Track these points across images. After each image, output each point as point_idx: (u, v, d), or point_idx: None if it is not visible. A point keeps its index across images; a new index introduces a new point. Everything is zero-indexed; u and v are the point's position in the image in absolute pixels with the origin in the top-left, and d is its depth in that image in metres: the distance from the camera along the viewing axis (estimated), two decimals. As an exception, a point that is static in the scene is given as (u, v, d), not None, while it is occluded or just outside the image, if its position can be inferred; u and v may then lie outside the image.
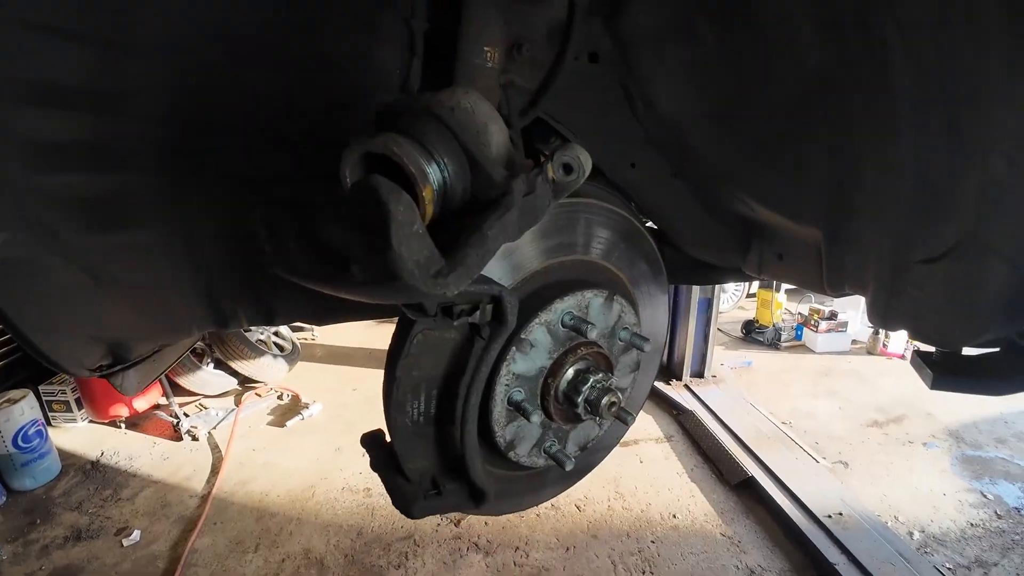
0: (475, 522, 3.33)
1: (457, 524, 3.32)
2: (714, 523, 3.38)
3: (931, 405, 4.93)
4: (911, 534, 3.34)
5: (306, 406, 4.54)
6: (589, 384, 1.01)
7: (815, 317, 6.13)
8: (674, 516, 3.43)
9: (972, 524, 3.45)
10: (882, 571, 2.91)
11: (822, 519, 3.28)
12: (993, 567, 3.11)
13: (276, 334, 5.28)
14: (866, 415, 4.78)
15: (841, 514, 3.34)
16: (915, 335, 1.15)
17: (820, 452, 4.07)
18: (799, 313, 6.43)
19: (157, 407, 4.44)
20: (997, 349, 1.26)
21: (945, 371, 1.31)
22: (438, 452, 1.03)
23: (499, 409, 0.98)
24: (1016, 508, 3.61)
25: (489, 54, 0.93)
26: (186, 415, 4.26)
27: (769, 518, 3.42)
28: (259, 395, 4.76)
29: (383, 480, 1.02)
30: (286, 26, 0.95)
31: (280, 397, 4.77)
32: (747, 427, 4.29)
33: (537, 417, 1.01)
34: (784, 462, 3.84)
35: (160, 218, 1.01)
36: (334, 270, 0.59)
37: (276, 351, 5.05)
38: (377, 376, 5.25)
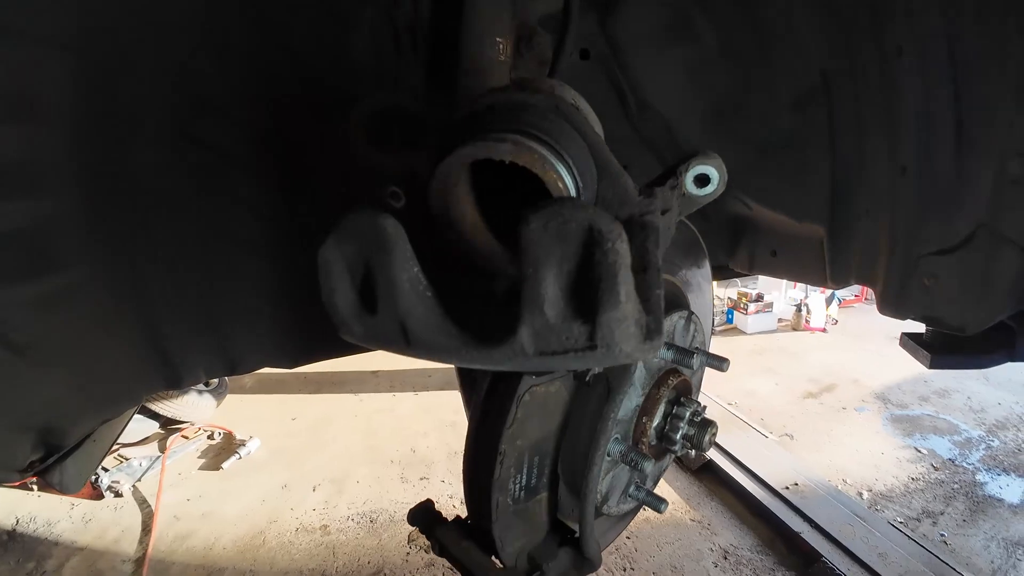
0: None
1: (428, 551, 3.15)
2: (683, 510, 3.42)
3: (856, 372, 5.29)
4: (861, 494, 3.53)
5: (242, 443, 4.18)
6: (686, 419, 0.89)
7: (744, 300, 6.41)
8: (644, 509, 3.43)
9: (913, 479, 3.70)
10: (843, 533, 3.06)
11: (781, 492, 3.41)
12: (940, 516, 3.35)
13: (200, 368, 4.85)
14: (801, 387, 5.04)
15: (797, 484, 3.48)
16: (929, 322, 1.17)
17: (767, 428, 4.24)
18: (728, 298, 6.70)
19: (69, 464, 3.93)
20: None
21: (940, 351, 1.34)
22: (534, 527, 0.87)
23: (600, 464, 0.81)
24: (950, 459, 3.93)
25: (502, 46, 0.80)
26: (104, 469, 3.77)
27: (732, 498, 3.50)
28: (186, 437, 4.32)
29: (468, 570, 0.82)
30: (241, 17, 0.79)
31: (211, 437, 4.36)
32: (698, 411, 4.40)
33: (646, 463, 0.86)
34: (737, 442, 3.96)
35: (88, 254, 0.81)
36: (482, 339, 0.44)
37: (201, 386, 4.62)
38: (316, 402, 4.99)
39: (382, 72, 0.92)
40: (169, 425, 4.38)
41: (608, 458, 0.82)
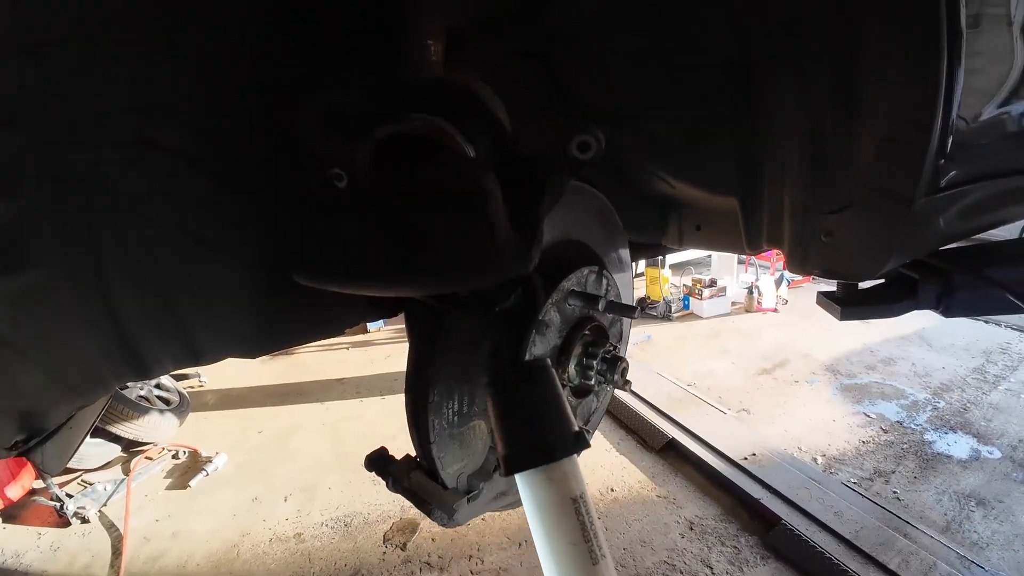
0: (422, 541, 3.24)
1: (404, 548, 3.20)
2: (648, 488, 3.55)
3: (807, 347, 5.53)
4: (815, 459, 3.73)
5: (208, 460, 4.13)
6: (599, 356, 1.02)
7: (698, 286, 6.63)
8: (612, 490, 3.56)
9: (863, 442, 3.92)
10: (800, 496, 3.23)
11: (740, 462, 3.57)
12: (891, 474, 3.56)
13: (158, 386, 4.75)
14: (755, 365, 5.26)
15: (755, 454, 3.65)
16: (830, 275, 1.28)
17: (725, 404, 4.41)
18: (684, 285, 6.92)
19: (33, 492, 3.80)
20: (883, 280, 1.48)
21: (849, 304, 1.48)
22: (471, 452, 0.99)
23: None
24: (898, 422, 4.16)
25: (433, 47, 0.89)
26: (69, 496, 3.69)
27: (695, 472, 3.65)
28: (150, 458, 4.25)
29: (415, 494, 0.95)
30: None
31: (176, 456, 4.30)
32: (659, 395, 4.56)
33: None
34: (697, 419, 4.12)
35: (57, 252, 0.85)
36: (403, 262, 0.53)
37: (162, 405, 4.54)
38: (282, 414, 4.96)
39: (331, 69, 0.98)
40: (132, 448, 4.30)
41: None
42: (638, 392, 4.58)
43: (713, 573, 2.90)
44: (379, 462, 0.99)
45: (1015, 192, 1.31)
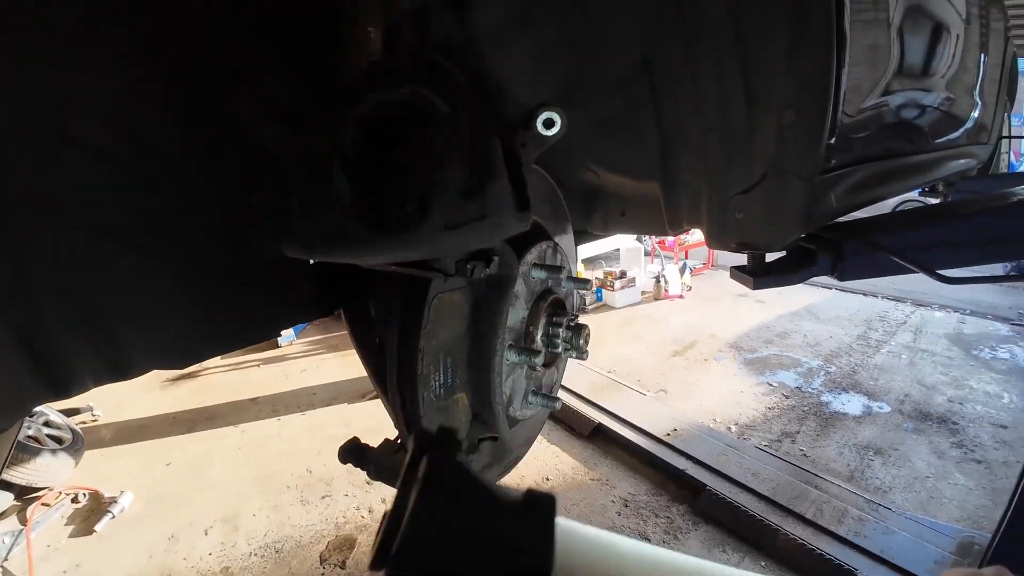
0: (362, 556, 3.15)
1: (343, 566, 3.10)
2: (582, 473, 3.67)
3: (712, 328, 5.93)
4: (730, 428, 4.01)
5: (112, 501, 3.77)
6: (564, 325, 1.06)
7: (610, 278, 6.92)
8: (547, 479, 3.64)
9: (769, 408, 4.26)
10: (720, 462, 3.48)
11: (663, 439, 3.78)
12: (797, 435, 3.90)
13: (48, 424, 4.26)
14: (668, 348, 5.57)
15: (676, 430, 3.88)
16: (744, 247, 1.41)
17: (644, 387, 4.65)
18: (596, 277, 7.18)
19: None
20: (784, 253, 1.64)
21: (759, 275, 1.63)
22: (456, 424, 1.00)
23: (500, 365, 0.99)
24: (797, 387, 4.57)
25: (373, 34, 0.89)
26: (-47, 558, 3.26)
27: (623, 453, 3.82)
28: (48, 504, 3.80)
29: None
30: None
31: (76, 499, 3.88)
32: (583, 383, 4.71)
33: (536, 359, 1.04)
34: (620, 403, 4.31)
35: None
36: (400, 220, 0.53)
37: (54, 445, 4.09)
38: (191, 442, 4.65)
39: (269, 60, 0.95)
40: (26, 495, 3.84)
41: (507, 361, 1.00)
42: (563, 383, 4.71)
43: (652, 544, 3.04)
44: (355, 452, 0.97)
45: (892, 172, 1.50)
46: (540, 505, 0.41)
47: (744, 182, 1.24)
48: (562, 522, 0.41)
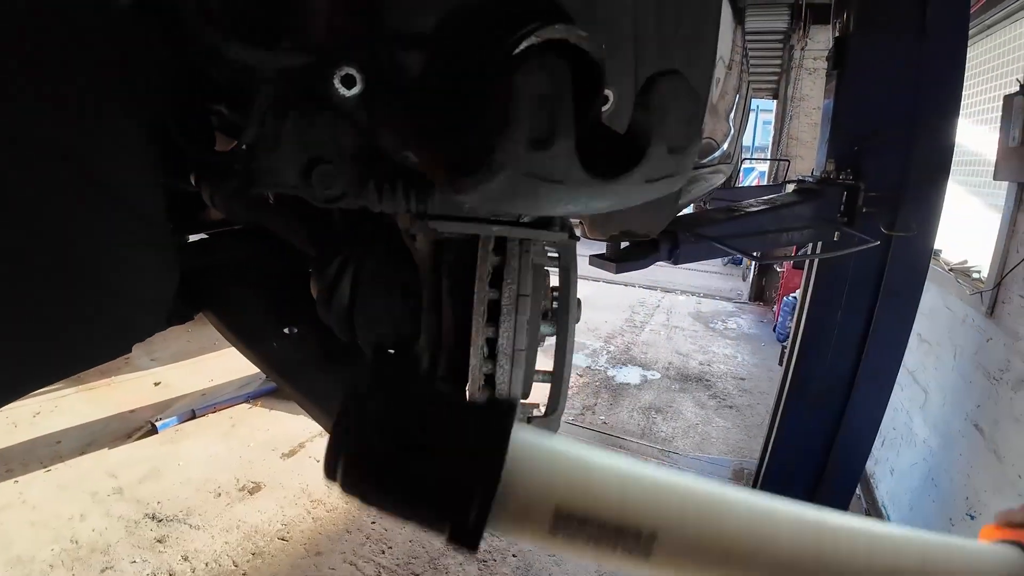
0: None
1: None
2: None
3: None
4: (539, 408, 4.36)
5: None
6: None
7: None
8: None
9: (570, 387, 4.74)
10: (541, 442, 3.78)
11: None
12: (595, 407, 4.40)
13: None
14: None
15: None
16: (626, 235, 1.59)
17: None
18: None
19: None
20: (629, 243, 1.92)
21: (618, 260, 1.87)
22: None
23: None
24: (588, 367, 5.14)
25: None
26: None
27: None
28: None
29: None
30: None
31: None
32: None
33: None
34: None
35: None
36: (613, 167, 0.49)
37: None
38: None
39: None
40: None
41: None
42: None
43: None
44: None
45: (695, 180, 1.83)
46: (498, 411, 0.41)
47: None
48: (527, 433, 0.41)
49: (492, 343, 0.97)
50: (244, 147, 0.68)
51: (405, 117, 0.65)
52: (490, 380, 0.99)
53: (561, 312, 1.10)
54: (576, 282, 1.10)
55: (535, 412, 1.21)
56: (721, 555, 0.39)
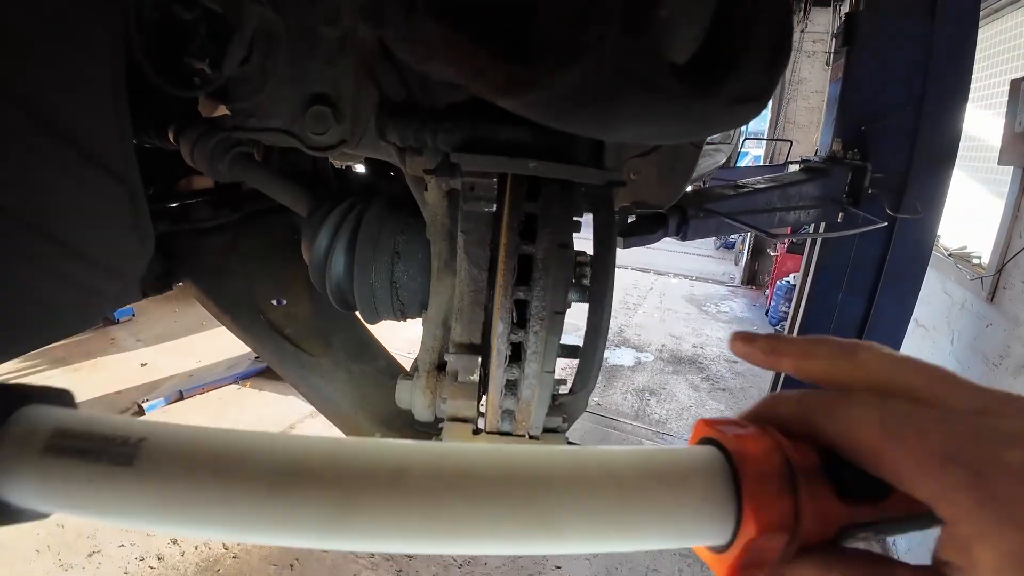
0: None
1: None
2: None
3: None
4: (538, 392, 4.35)
5: None
6: None
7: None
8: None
9: (562, 368, 4.70)
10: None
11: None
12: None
13: None
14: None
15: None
16: (639, 205, 1.56)
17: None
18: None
19: None
20: (634, 218, 1.88)
21: (626, 235, 1.83)
22: None
23: None
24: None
25: None
26: None
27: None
28: None
29: None
30: None
31: None
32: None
33: None
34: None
35: None
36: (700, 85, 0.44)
37: None
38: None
39: None
40: None
41: None
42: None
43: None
44: None
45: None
46: None
47: (640, 146, 1.33)
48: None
49: (522, 306, 0.86)
50: (227, 77, 0.59)
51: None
52: (517, 350, 0.88)
53: (599, 274, 0.95)
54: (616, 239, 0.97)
55: (561, 389, 1.02)
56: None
